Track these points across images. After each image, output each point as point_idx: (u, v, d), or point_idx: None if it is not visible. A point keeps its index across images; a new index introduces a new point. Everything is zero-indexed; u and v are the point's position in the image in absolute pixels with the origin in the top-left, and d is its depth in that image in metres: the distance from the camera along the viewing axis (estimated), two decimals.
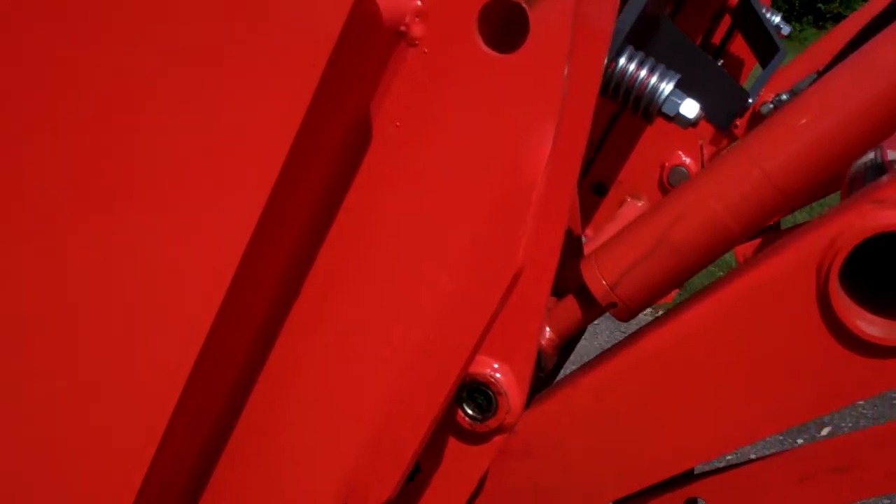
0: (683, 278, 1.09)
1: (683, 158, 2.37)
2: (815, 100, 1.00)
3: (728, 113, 1.24)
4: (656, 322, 1.10)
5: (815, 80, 2.16)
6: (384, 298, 0.84)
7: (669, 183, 2.42)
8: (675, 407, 1.08)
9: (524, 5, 0.74)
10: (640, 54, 0.99)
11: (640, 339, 1.10)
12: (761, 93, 2.07)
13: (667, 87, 0.98)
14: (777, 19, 2.10)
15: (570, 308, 1.16)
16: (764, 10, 1.99)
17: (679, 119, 0.99)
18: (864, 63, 0.98)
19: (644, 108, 0.99)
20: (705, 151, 2.43)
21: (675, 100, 0.99)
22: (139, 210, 0.70)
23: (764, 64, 1.84)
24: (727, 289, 1.04)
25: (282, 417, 0.88)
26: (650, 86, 0.98)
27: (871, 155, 1.10)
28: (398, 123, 0.81)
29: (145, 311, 0.73)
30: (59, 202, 0.71)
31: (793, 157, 0.98)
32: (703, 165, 2.40)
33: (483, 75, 0.77)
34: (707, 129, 2.30)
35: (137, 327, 0.73)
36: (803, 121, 0.98)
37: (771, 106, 2.10)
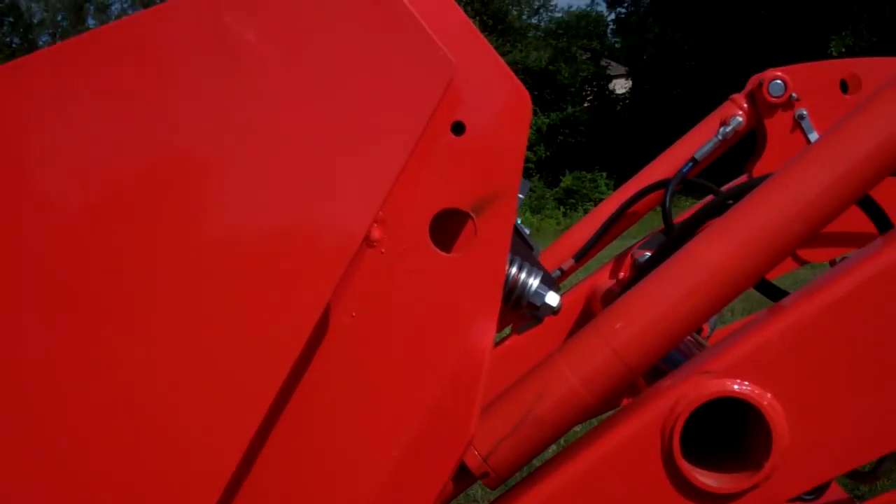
0: (548, 445, 1.23)
1: None
2: (652, 286, 1.22)
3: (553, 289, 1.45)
4: (522, 487, 1.22)
5: (558, 277, 2.49)
6: (339, 470, 0.89)
7: None
8: None
9: (472, 214, 0.88)
10: (509, 254, 1.17)
11: None
12: None
13: (534, 282, 1.16)
14: (518, 220, 2.37)
15: None
16: None
17: (544, 308, 1.17)
18: (688, 256, 1.22)
19: (515, 300, 1.16)
20: None
21: (541, 292, 1.16)
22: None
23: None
24: (586, 453, 1.19)
25: None
26: (520, 281, 1.15)
27: None
28: (354, 314, 0.89)
29: None
30: None
31: (637, 336, 1.19)
32: None
33: (434, 273, 0.89)
34: None
35: None
36: (646, 303, 1.19)
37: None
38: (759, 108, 2.38)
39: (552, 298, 1.17)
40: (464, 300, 0.90)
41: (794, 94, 2.32)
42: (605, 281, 2.45)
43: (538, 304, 1.17)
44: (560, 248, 2.52)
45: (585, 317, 2.44)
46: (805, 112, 2.33)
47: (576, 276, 2.62)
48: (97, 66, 0.74)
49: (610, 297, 2.33)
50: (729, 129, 2.38)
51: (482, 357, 0.90)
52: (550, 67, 39.24)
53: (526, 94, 0.87)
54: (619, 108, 40.38)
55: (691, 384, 1.15)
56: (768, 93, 2.33)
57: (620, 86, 41.48)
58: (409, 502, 0.90)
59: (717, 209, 1.62)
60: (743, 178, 2.43)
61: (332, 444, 0.90)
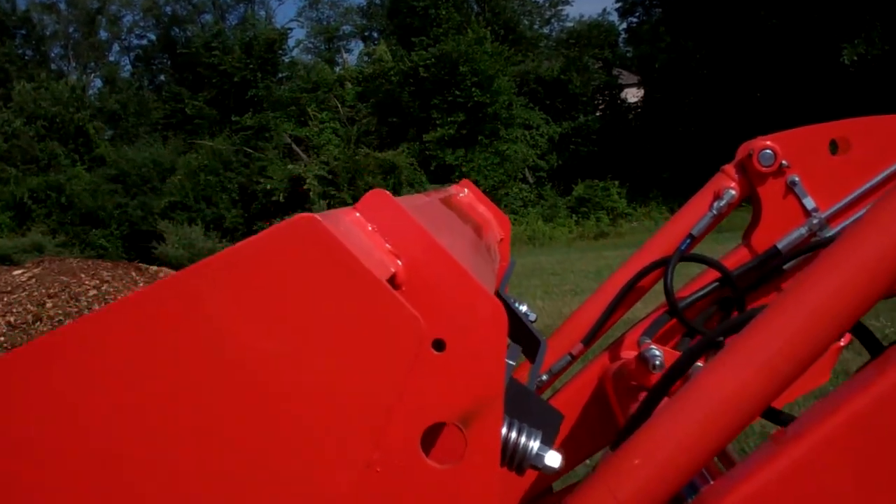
0: None
1: None
2: (657, 432, 1.21)
3: (552, 434, 1.44)
4: None
5: (569, 361, 2.48)
6: None
7: None
8: None
9: (460, 426, 0.88)
10: (507, 418, 1.15)
11: None
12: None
13: (534, 445, 1.15)
14: (524, 308, 2.31)
15: None
16: (514, 302, 2.20)
17: (545, 469, 1.16)
18: (692, 393, 1.21)
19: (518, 465, 1.15)
20: None
21: (541, 454, 1.16)
22: None
23: (530, 356, 2.02)
24: None
25: None
26: (521, 445, 1.14)
27: None
28: None
29: None
30: None
31: (641, 487, 1.18)
32: None
33: (429, 485, 0.89)
34: None
35: None
36: (646, 453, 1.18)
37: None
38: (751, 178, 2.37)
39: (552, 459, 1.16)
40: None
41: (784, 162, 2.32)
42: (614, 361, 2.43)
43: (539, 466, 1.16)
44: (567, 332, 2.51)
45: (597, 396, 2.43)
46: (797, 178, 2.32)
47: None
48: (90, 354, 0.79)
49: (620, 378, 2.31)
50: (723, 203, 2.38)
51: None
52: (562, 77, 39.30)
53: (498, 305, 0.88)
54: (630, 116, 40.41)
55: None
56: (759, 163, 2.32)
57: (632, 95, 41.53)
58: None
59: (700, 350, 1.60)
60: (742, 249, 2.41)
61: None
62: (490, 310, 0.88)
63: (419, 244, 0.89)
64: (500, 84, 36.14)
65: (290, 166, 37.15)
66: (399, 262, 0.89)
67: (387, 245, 0.90)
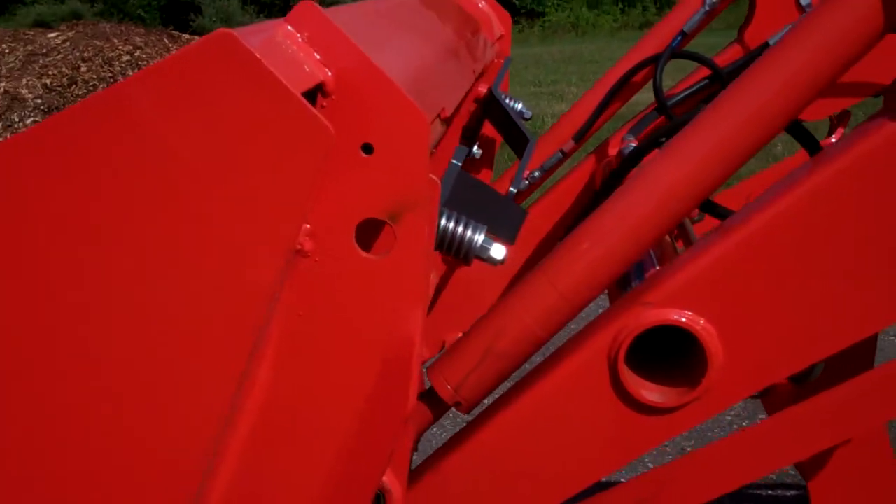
0: (510, 374, 1.38)
1: None
2: (594, 225, 1.31)
3: (512, 230, 1.56)
4: (490, 411, 1.39)
5: (560, 159, 2.57)
6: (297, 442, 1.07)
7: None
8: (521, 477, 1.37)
9: (389, 221, 1.00)
10: (454, 213, 1.27)
11: (476, 433, 1.37)
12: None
13: (479, 238, 1.27)
14: (519, 105, 2.36)
15: (423, 409, 1.43)
16: (507, 99, 2.26)
17: (490, 259, 1.29)
18: (635, 186, 1.30)
19: (464, 255, 1.28)
20: None
21: (486, 246, 1.28)
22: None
23: (518, 153, 2.10)
24: (540, 383, 1.34)
25: None
26: (466, 238, 1.27)
27: None
28: (301, 313, 1.03)
29: None
30: None
31: (578, 278, 1.30)
32: None
33: (362, 272, 1.02)
34: None
35: None
36: (585, 246, 1.30)
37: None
38: None
39: (497, 252, 1.29)
40: (390, 293, 1.03)
41: None
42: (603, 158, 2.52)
43: (484, 256, 1.28)
44: (560, 129, 2.57)
45: (587, 194, 2.53)
46: None
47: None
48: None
49: (607, 173, 2.41)
50: None
51: (412, 343, 1.03)
52: None
53: (421, 115, 0.96)
54: None
55: (632, 315, 1.28)
56: None
57: None
58: (364, 467, 1.07)
59: (648, 146, 1.67)
60: (735, 47, 2.42)
61: (285, 432, 1.07)
62: (413, 120, 0.97)
63: (347, 55, 0.97)
64: None
65: None
66: (328, 73, 0.98)
67: (316, 56, 0.98)
